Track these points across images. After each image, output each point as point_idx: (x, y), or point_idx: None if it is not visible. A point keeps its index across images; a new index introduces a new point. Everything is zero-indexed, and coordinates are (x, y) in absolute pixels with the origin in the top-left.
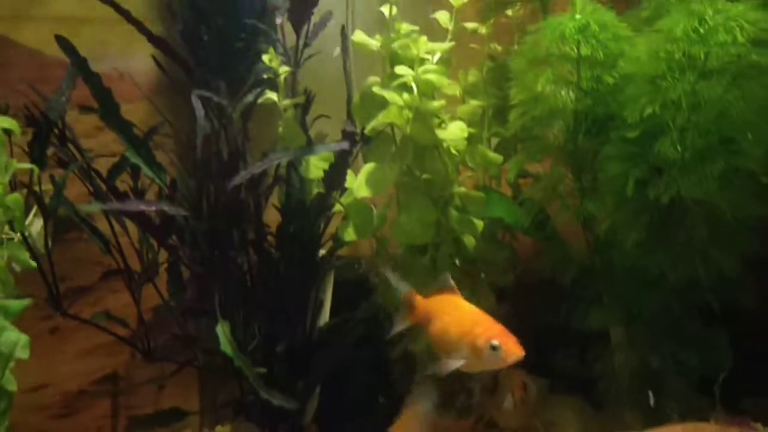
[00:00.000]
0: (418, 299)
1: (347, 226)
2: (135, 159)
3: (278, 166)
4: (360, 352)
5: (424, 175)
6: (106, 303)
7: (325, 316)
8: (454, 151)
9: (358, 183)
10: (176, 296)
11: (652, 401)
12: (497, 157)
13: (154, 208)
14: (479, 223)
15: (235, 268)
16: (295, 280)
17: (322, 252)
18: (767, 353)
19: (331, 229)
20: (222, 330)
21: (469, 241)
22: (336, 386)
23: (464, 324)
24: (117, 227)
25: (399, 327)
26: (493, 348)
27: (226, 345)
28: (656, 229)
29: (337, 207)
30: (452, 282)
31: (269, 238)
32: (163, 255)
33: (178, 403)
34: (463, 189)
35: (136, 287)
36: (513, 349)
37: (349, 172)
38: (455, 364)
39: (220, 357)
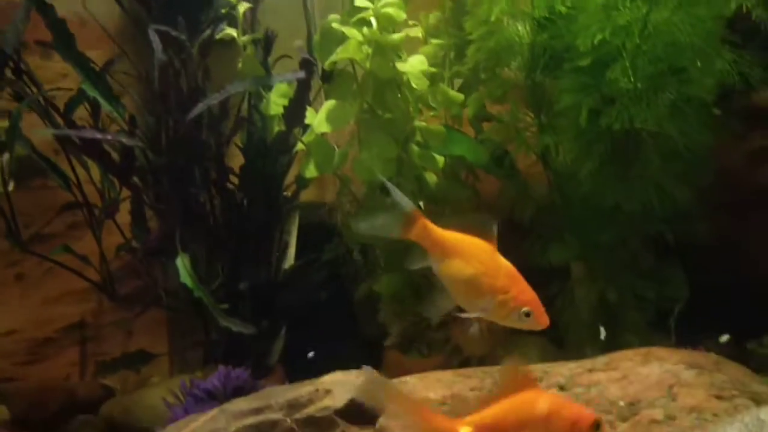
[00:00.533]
0: (425, 222)
1: (308, 162)
2: (92, 92)
3: (240, 107)
4: (325, 293)
5: (387, 115)
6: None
7: (290, 257)
8: (414, 86)
9: (318, 119)
10: (140, 237)
11: (603, 335)
12: (458, 96)
13: (110, 137)
14: (440, 159)
15: (198, 206)
16: (259, 219)
17: (287, 194)
18: (722, 287)
19: (296, 171)
20: (182, 262)
21: (431, 178)
22: (302, 327)
23: (499, 279)
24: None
25: (382, 231)
26: (526, 315)
27: (186, 276)
28: (610, 160)
29: (300, 146)
30: (495, 229)
31: (233, 178)
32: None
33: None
34: (423, 123)
35: (97, 225)
36: (542, 319)
37: (310, 109)
38: (473, 313)
39: (185, 296)
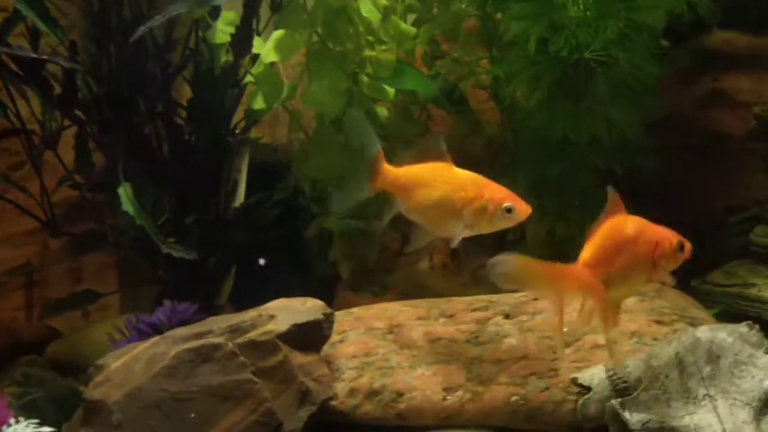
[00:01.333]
0: (387, 168)
1: (257, 94)
2: (27, 12)
3: (188, 41)
4: (277, 232)
5: (338, 48)
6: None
7: (240, 195)
8: (365, 15)
9: (266, 48)
10: (83, 171)
11: None
12: (410, 30)
13: (45, 58)
14: (390, 91)
15: (143, 138)
16: (207, 154)
17: (237, 131)
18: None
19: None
20: (124, 191)
21: (382, 112)
22: (253, 266)
23: (467, 190)
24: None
25: (357, 196)
26: (508, 211)
27: (128, 205)
28: (560, 92)
29: (249, 78)
30: (444, 146)
31: (181, 112)
32: None
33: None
34: (373, 53)
35: (37, 156)
36: (523, 207)
37: (259, 39)
38: (458, 236)
39: (132, 233)
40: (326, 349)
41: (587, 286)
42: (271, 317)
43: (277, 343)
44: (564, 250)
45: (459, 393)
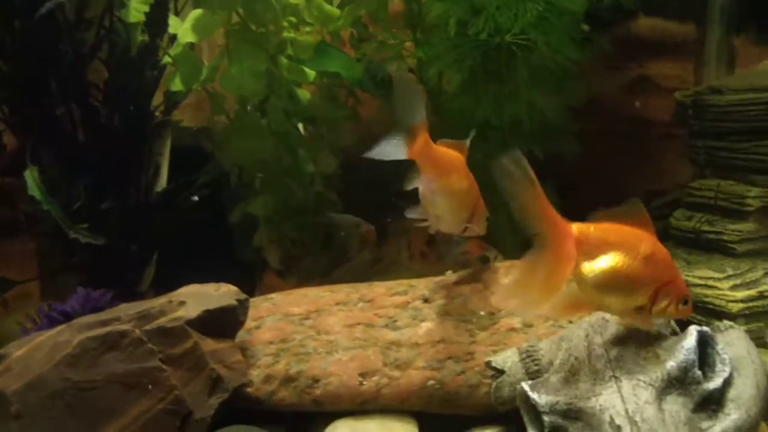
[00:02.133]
0: (427, 142)
1: (174, 76)
2: None
3: (102, 20)
4: (201, 217)
5: (260, 29)
6: None
7: (162, 180)
8: None
9: (183, 28)
10: None
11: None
12: (334, 11)
13: None
14: (311, 73)
15: (55, 120)
16: (126, 137)
17: (157, 114)
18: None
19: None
20: (30, 174)
21: (304, 94)
22: (176, 252)
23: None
24: None
25: (391, 155)
26: None
27: (34, 188)
28: (481, 74)
29: (167, 59)
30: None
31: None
32: None
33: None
34: (293, 34)
35: None
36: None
37: (176, 18)
38: (463, 231)
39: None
40: (242, 335)
41: (563, 248)
42: (182, 303)
43: (187, 330)
44: (490, 233)
45: (375, 378)
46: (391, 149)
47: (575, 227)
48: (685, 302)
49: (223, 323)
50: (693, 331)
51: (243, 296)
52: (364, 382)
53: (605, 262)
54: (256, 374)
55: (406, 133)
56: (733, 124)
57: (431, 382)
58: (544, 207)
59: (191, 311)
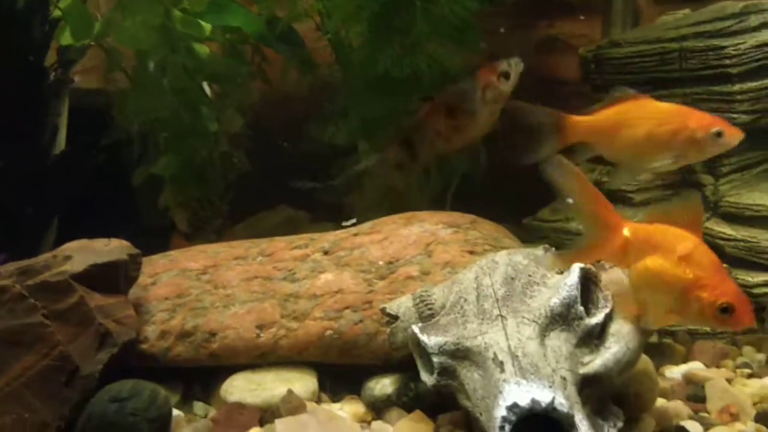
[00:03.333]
0: (576, 120)
1: (64, 29)
2: None
3: None
4: (104, 180)
5: None
6: None
7: (60, 142)
8: None
9: None
10: None
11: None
12: None
13: None
14: (206, 27)
15: None
16: (16, 96)
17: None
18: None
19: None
20: None
21: (202, 50)
22: (78, 216)
23: (671, 121)
24: None
25: (548, 152)
26: (718, 135)
27: None
28: (381, 25)
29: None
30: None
31: None
32: None
33: None
34: None
35: None
36: (733, 131)
37: None
38: (671, 165)
39: None
40: (137, 291)
41: (615, 249)
42: (67, 258)
43: (72, 284)
44: (398, 194)
45: (273, 330)
46: (546, 148)
47: (627, 228)
48: (725, 310)
49: (112, 278)
50: (576, 268)
51: (135, 251)
52: (262, 335)
53: (642, 261)
54: (151, 330)
55: (547, 126)
56: (631, 76)
57: (329, 332)
58: (600, 207)
59: (77, 265)
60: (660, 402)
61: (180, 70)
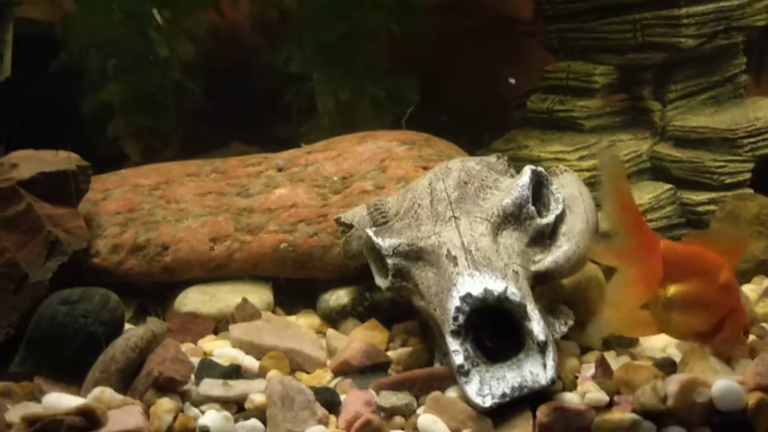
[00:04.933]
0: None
1: None
2: None
3: None
4: (49, 109)
5: None
6: None
7: (5, 69)
8: None
9: None
10: None
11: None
12: None
13: None
14: None
15: None
16: None
17: None
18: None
19: None
20: None
21: None
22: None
23: None
24: None
25: None
26: None
27: None
28: None
29: None
30: None
31: None
32: None
33: None
34: None
35: None
36: None
37: None
38: None
39: None
40: (87, 207)
41: (650, 264)
42: (14, 166)
43: (19, 191)
44: (352, 120)
45: (227, 243)
46: None
47: (663, 244)
48: (746, 333)
49: (61, 188)
50: (527, 169)
51: (84, 163)
52: (215, 247)
53: (683, 283)
54: (102, 244)
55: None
56: (581, 4)
57: (284, 244)
58: (637, 219)
59: (24, 173)
60: None
61: None
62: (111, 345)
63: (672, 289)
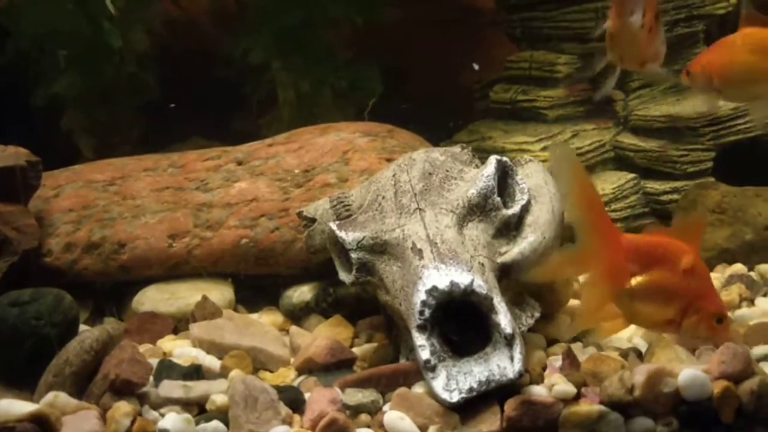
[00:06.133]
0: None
1: None
2: None
3: None
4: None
5: None
6: None
7: None
8: None
9: None
10: None
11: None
12: None
13: None
14: None
15: None
16: None
17: None
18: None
19: None
20: None
21: None
22: None
23: None
24: None
25: None
26: None
27: None
28: None
29: None
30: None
31: None
32: None
33: None
34: None
35: None
36: None
37: None
38: None
39: None
40: (38, 204)
41: (615, 260)
42: None
43: None
44: (312, 110)
45: (186, 239)
46: None
47: (626, 239)
48: (720, 320)
49: (10, 185)
50: (492, 160)
51: (34, 158)
52: (174, 244)
53: (646, 273)
54: (54, 243)
55: None
56: None
57: (245, 240)
58: (599, 216)
59: None
60: (574, 302)
61: None
62: (65, 348)
63: (635, 280)
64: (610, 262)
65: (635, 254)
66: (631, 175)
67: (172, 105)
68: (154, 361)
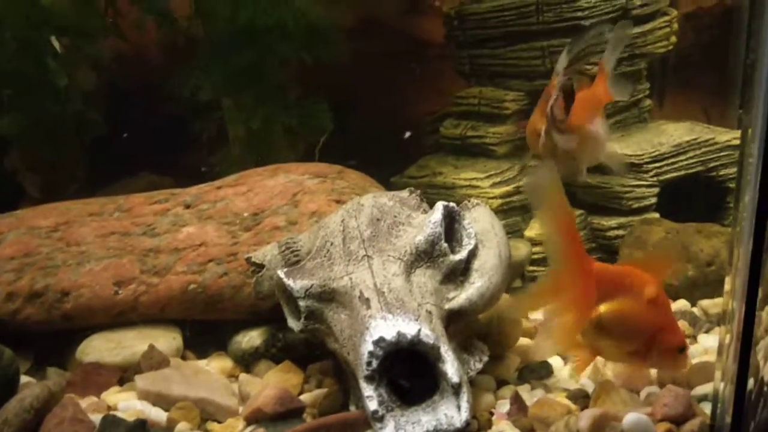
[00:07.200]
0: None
1: None
2: None
3: None
4: None
5: None
6: None
7: None
8: None
9: None
10: None
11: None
12: None
13: None
14: None
15: None
16: None
17: None
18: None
19: None
20: None
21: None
22: None
23: None
24: None
25: None
26: None
27: None
28: None
29: None
30: None
31: None
32: None
33: None
34: None
35: None
36: None
37: None
38: None
39: None
40: None
41: (587, 288)
42: None
43: None
44: (265, 149)
45: (132, 286)
46: None
47: (596, 268)
48: (682, 350)
49: None
50: (439, 206)
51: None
52: (120, 292)
53: (608, 303)
54: None
55: None
56: (491, 31)
57: (192, 286)
58: (574, 241)
59: None
60: (524, 341)
61: (22, 20)
62: (4, 407)
63: (603, 307)
64: (581, 290)
65: (600, 282)
66: (579, 211)
67: (125, 135)
68: (98, 417)
